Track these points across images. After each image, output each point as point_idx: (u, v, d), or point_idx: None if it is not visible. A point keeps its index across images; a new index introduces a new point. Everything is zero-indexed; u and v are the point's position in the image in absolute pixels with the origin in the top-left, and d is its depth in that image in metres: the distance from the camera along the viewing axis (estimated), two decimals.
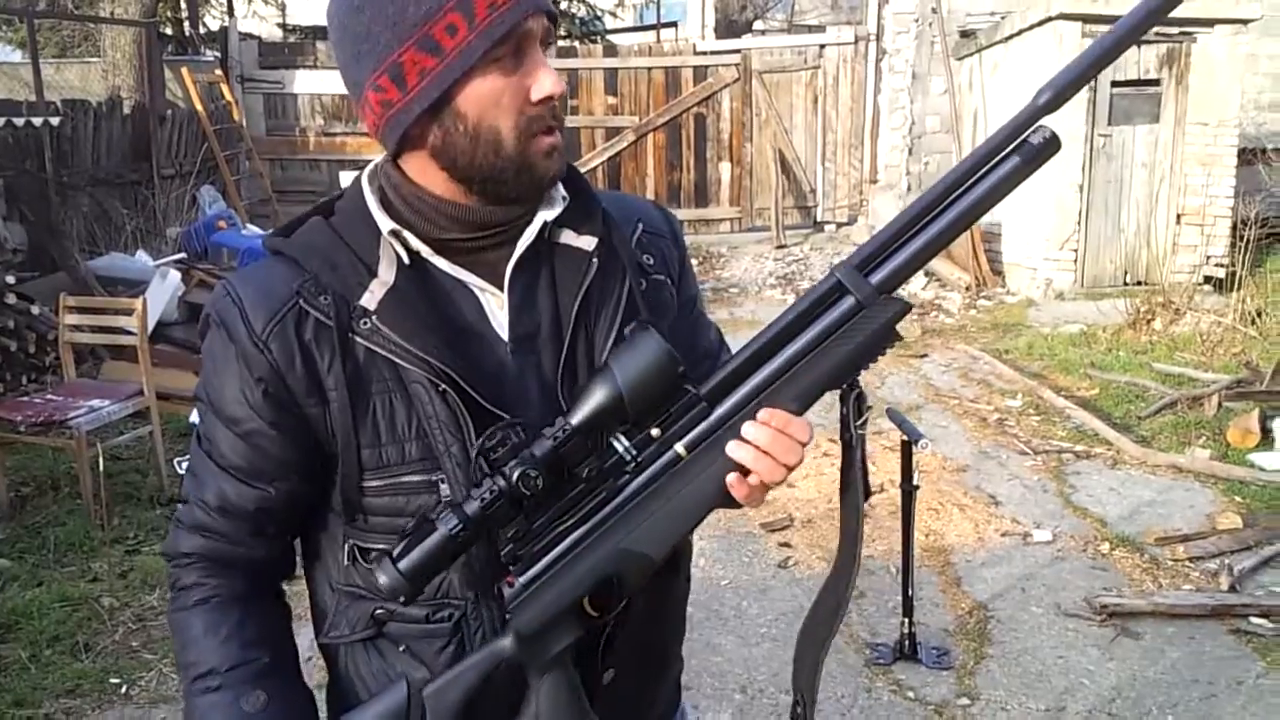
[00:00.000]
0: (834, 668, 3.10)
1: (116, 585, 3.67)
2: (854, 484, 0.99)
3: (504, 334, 1.02)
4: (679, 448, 0.93)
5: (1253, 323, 6.61)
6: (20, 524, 4.17)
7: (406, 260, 1.00)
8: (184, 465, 3.85)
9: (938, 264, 8.92)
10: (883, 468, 4.68)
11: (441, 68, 0.92)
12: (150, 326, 5.10)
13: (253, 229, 8.78)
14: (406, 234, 1.00)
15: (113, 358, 5.62)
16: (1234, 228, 8.06)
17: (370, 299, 0.96)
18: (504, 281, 1.02)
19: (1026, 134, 0.88)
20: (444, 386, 0.94)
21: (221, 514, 1.02)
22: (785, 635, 3.27)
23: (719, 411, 0.93)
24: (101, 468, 4.11)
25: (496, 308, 1.02)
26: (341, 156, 11.05)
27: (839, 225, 11.07)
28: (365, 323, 0.95)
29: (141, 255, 7.72)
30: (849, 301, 0.92)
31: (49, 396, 4.45)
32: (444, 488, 0.97)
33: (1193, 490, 4.44)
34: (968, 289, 8.76)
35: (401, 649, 1.02)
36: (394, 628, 1.01)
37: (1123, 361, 6.41)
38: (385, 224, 0.99)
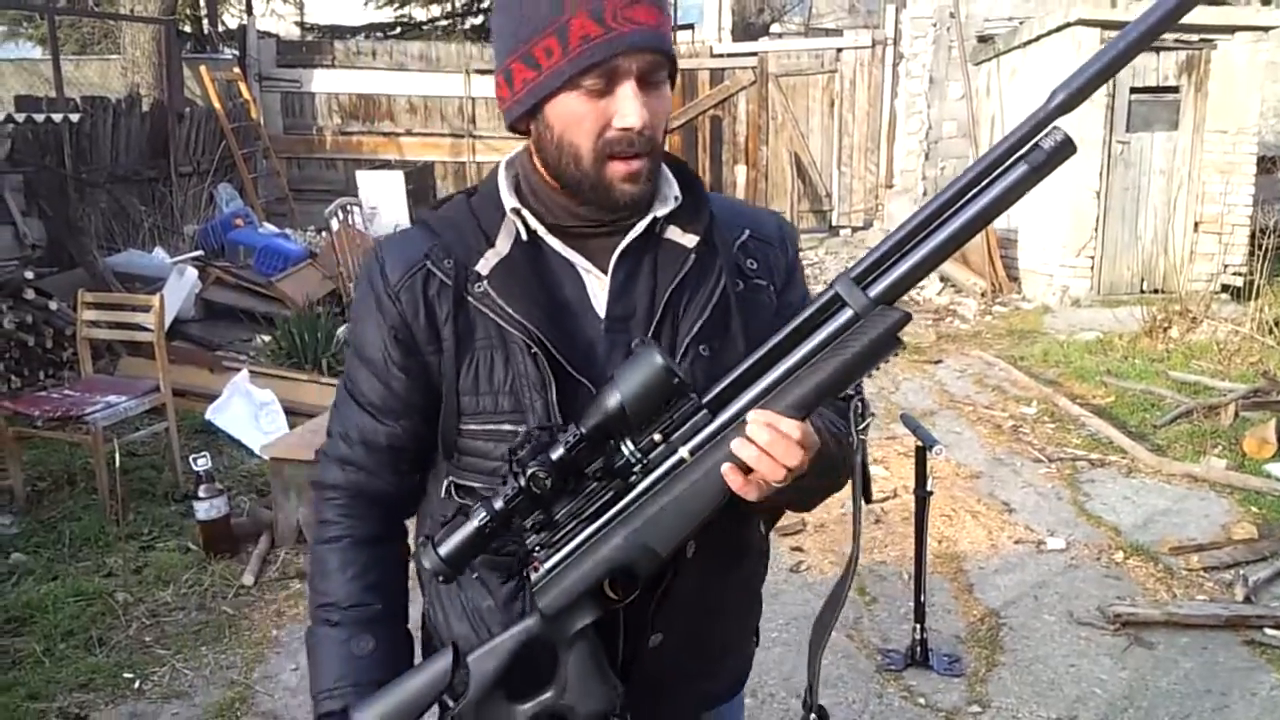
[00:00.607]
0: (845, 673, 3.10)
1: (131, 580, 3.69)
2: (855, 486, 1.08)
3: (601, 313, 1.13)
4: (683, 451, 1.01)
5: (1270, 332, 6.56)
6: (36, 518, 4.20)
7: (525, 237, 1.13)
8: (199, 461, 3.88)
9: (953, 269, 8.90)
10: (896, 473, 4.67)
11: (536, 82, 1.06)
12: (167, 323, 5.14)
13: (269, 227, 8.81)
14: (526, 213, 1.13)
15: (129, 354, 5.66)
16: (1252, 236, 8.01)
17: (484, 265, 1.10)
18: (609, 266, 1.13)
19: (1039, 138, 0.88)
20: (536, 350, 1.07)
21: (363, 446, 1.18)
22: (796, 639, 3.26)
23: (721, 418, 1.00)
24: (117, 463, 4.14)
25: (599, 289, 1.14)
26: (358, 155, 11.01)
27: (854, 229, 11.06)
28: (479, 286, 1.09)
29: (159, 252, 7.78)
30: (848, 313, 0.96)
31: (66, 392, 4.48)
32: None
33: (1208, 500, 4.41)
34: (983, 295, 8.73)
35: (475, 575, 1.16)
36: None
37: (1139, 369, 6.37)
38: (509, 203, 1.14)
